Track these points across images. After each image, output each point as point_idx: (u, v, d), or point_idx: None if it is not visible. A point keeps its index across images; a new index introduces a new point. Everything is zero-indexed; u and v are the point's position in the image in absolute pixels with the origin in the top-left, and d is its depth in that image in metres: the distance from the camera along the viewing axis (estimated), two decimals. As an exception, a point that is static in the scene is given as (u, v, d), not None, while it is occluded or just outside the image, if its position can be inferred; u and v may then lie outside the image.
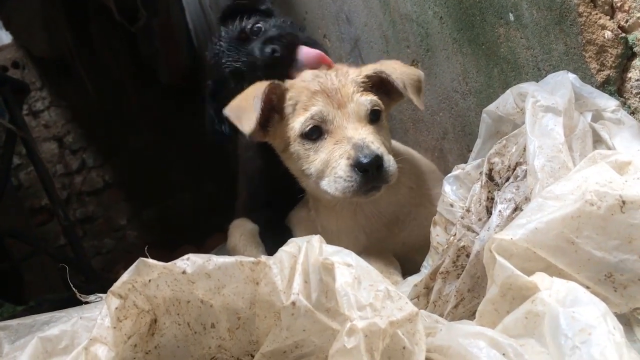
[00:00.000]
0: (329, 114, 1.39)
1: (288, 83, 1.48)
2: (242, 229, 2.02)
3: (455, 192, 1.16)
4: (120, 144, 4.83)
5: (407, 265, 1.53)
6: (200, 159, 4.66)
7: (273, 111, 1.48)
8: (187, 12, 4.75)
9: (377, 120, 1.44)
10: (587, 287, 0.76)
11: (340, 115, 1.39)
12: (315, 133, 1.40)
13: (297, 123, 1.42)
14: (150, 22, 4.02)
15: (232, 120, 1.45)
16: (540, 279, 0.75)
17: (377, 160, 1.31)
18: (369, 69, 1.48)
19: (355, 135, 1.35)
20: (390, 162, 1.35)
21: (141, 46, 4.45)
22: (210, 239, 3.45)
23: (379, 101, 1.45)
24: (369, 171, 1.31)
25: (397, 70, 1.45)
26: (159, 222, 4.86)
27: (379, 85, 1.48)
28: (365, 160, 1.30)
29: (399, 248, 1.58)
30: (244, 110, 1.42)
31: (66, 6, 4.21)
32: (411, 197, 1.56)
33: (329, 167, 1.37)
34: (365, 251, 1.54)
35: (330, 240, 1.31)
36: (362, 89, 1.44)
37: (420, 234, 1.44)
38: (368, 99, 1.42)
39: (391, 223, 1.56)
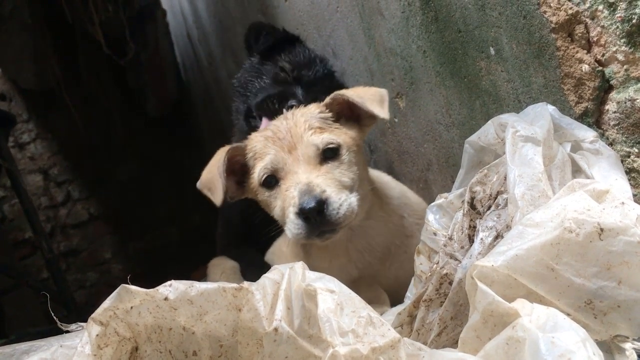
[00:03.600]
0: (279, 161, 1.41)
1: (248, 138, 1.52)
2: (222, 267, 2.01)
3: (439, 220, 1.17)
4: (106, 177, 4.82)
5: (397, 298, 1.52)
6: (186, 191, 4.65)
7: (246, 167, 1.51)
8: (175, 46, 4.80)
9: (335, 157, 1.41)
10: (568, 314, 0.77)
11: (291, 160, 1.40)
12: (272, 180, 1.43)
13: (255, 174, 1.45)
14: (139, 56, 4.06)
15: (205, 193, 1.49)
16: (521, 305, 0.75)
17: (319, 206, 1.29)
18: (327, 99, 1.49)
19: (303, 179, 1.35)
20: (338, 203, 1.31)
21: (129, 79, 4.47)
22: (196, 272, 3.42)
23: (334, 137, 1.43)
24: (310, 218, 1.30)
25: (354, 90, 1.47)
26: (144, 255, 4.82)
27: (348, 113, 1.49)
28: (306, 207, 1.29)
29: (390, 282, 1.57)
30: (212, 182, 1.47)
31: (55, 39, 4.24)
32: (404, 226, 1.56)
33: (284, 213, 1.38)
34: (355, 283, 1.53)
35: None
36: (317, 126, 1.44)
37: (411, 268, 1.41)
38: (320, 138, 1.41)
39: (383, 256, 1.56)
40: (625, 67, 0.99)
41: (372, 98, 1.43)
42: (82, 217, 4.88)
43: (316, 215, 1.29)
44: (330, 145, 1.41)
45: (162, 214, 4.81)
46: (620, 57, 0.99)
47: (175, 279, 0.87)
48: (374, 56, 1.79)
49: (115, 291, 0.80)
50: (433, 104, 1.56)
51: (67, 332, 0.94)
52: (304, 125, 1.43)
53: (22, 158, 4.71)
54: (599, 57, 1.03)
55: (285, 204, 1.37)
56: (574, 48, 1.06)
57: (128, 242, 4.92)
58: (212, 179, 1.46)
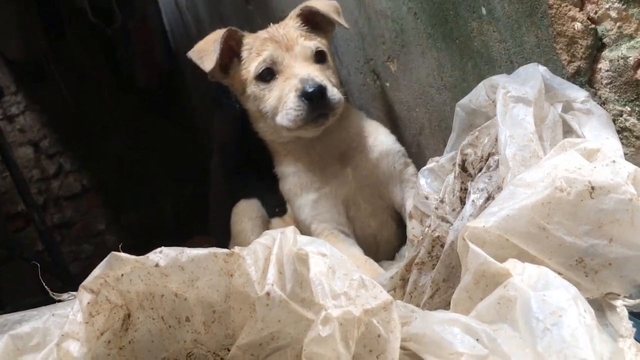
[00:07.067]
0: (278, 56, 1.59)
1: (245, 32, 1.69)
2: (249, 213, 2.08)
3: (430, 184, 1.17)
4: (98, 148, 4.78)
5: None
6: (179, 163, 4.63)
7: (233, 55, 1.68)
8: (163, 14, 4.72)
9: (324, 62, 1.64)
10: (559, 273, 0.77)
11: (289, 57, 1.59)
12: (268, 74, 1.60)
13: (252, 66, 1.62)
14: (126, 24, 3.99)
15: (194, 61, 1.64)
16: (512, 265, 0.75)
17: (321, 89, 1.50)
18: (295, 11, 1.70)
19: (302, 71, 1.55)
20: (334, 92, 1.54)
21: (117, 49, 4.40)
22: (190, 242, 3.43)
23: (322, 42, 1.67)
24: (313, 99, 1.49)
25: (316, 2, 1.69)
26: (137, 226, 4.81)
27: (312, 24, 1.70)
28: (310, 89, 1.49)
29: (352, 190, 1.70)
30: (206, 52, 1.62)
31: (41, 9, 4.16)
32: (359, 133, 1.75)
33: (281, 102, 1.56)
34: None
35: (290, 182, 1.73)
36: (304, 33, 1.66)
37: (366, 168, 1.69)
38: (312, 43, 1.63)
39: (341, 155, 1.71)
40: (618, 24, 0.97)
41: (331, 9, 1.67)
42: (74, 189, 4.84)
43: (319, 97, 1.50)
44: (320, 49, 1.64)
45: (154, 185, 4.78)
46: (613, 14, 0.97)
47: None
48: (364, 19, 1.76)
49: (105, 259, 0.80)
50: (425, 67, 1.54)
51: (60, 301, 0.93)
52: (295, 33, 1.64)
53: (12, 130, 4.65)
54: (591, 14, 1.02)
55: (283, 92, 1.55)
56: (566, 6, 1.04)
57: (121, 213, 4.90)
58: (207, 49, 1.62)
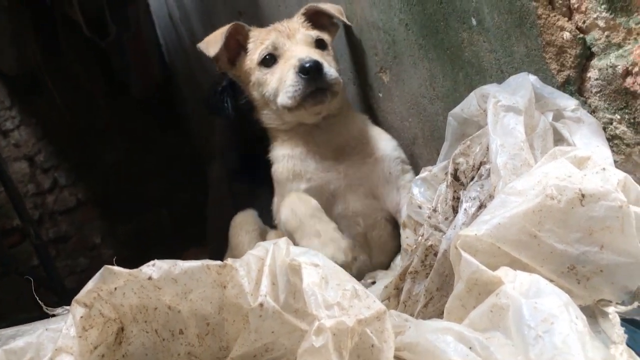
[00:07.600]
0: (279, 42, 1.68)
1: (252, 27, 1.79)
2: (246, 226, 2.08)
3: (423, 193, 1.18)
4: (93, 161, 4.77)
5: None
6: (174, 174, 4.63)
7: (241, 49, 1.78)
8: (157, 27, 4.73)
9: (324, 49, 1.71)
10: (551, 280, 0.77)
11: (290, 43, 1.68)
12: (271, 60, 1.68)
13: (256, 54, 1.71)
14: (121, 37, 4.00)
15: (202, 50, 1.77)
16: (504, 273, 0.76)
17: (317, 64, 1.55)
18: (300, 11, 1.78)
19: (302, 53, 1.61)
20: (331, 70, 1.59)
21: (112, 61, 4.41)
22: (187, 253, 3.42)
23: (324, 36, 1.73)
24: (310, 73, 1.54)
25: (322, 3, 1.79)
26: (134, 238, 4.80)
27: (317, 23, 1.77)
28: (306, 65, 1.54)
29: (341, 187, 1.72)
30: (212, 42, 1.75)
31: (35, 22, 4.16)
32: (360, 136, 1.77)
33: (281, 82, 1.62)
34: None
35: (283, 166, 1.75)
36: (307, 25, 1.74)
37: (360, 171, 1.70)
38: (314, 32, 1.72)
39: (337, 151, 1.75)
40: (606, 33, 0.99)
41: (335, 9, 1.76)
42: (69, 203, 4.83)
43: (315, 72, 1.55)
44: (320, 37, 1.72)
45: (150, 196, 4.77)
46: (601, 23, 0.98)
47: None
48: (356, 31, 1.78)
49: (99, 272, 0.80)
50: (417, 77, 1.55)
51: (54, 316, 0.93)
52: (298, 25, 1.74)
53: (7, 145, 4.64)
54: (580, 24, 1.03)
55: (283, 72, 1.62)
56: (555, 16, 1.05)
57: (117, 226, 4.88)
58: (214, 40, 1.75)
